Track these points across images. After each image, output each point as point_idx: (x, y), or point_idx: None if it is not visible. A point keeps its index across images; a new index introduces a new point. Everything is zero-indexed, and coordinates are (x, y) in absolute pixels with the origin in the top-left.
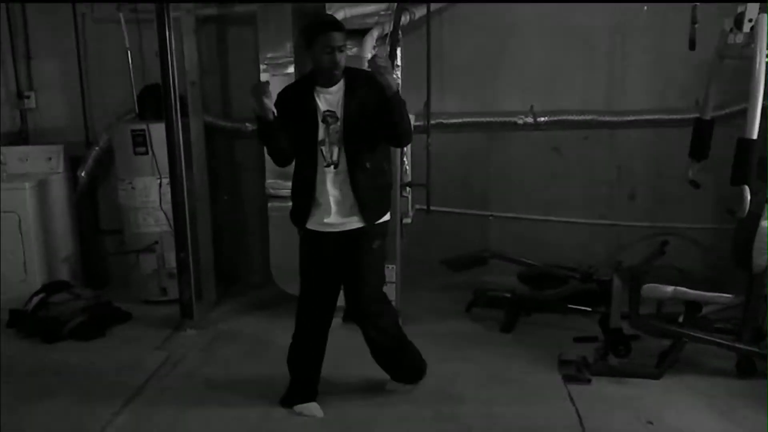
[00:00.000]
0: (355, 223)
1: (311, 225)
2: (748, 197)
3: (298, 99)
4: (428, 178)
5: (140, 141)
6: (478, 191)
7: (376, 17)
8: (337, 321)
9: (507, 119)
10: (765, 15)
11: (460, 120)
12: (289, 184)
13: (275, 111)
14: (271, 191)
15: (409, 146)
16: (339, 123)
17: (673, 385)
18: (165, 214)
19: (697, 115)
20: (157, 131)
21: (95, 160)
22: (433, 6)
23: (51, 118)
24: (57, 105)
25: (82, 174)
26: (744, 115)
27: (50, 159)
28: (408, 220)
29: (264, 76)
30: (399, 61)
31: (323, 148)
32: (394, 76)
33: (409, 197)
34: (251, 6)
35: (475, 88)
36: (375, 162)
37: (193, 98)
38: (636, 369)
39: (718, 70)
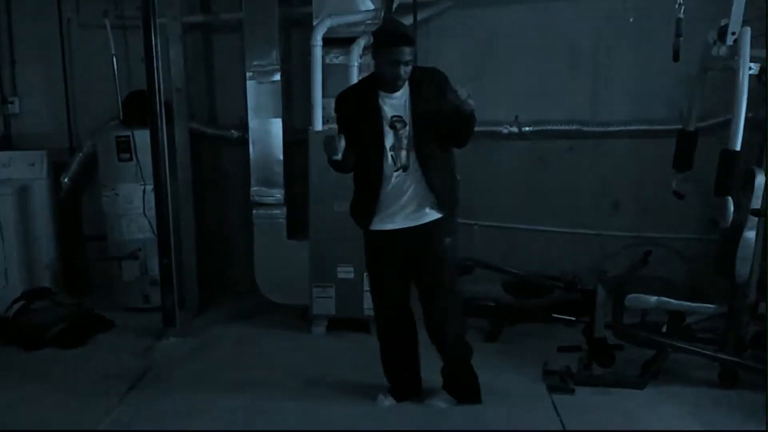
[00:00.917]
0: (428, 217)
1: (378, 225)
2: (732, 208)
3: (361, 105)
4: None
5: (124, 147)
6: (463, 200)
7: (363, 26)
8: (320, 330)
9: (492, 129)
10: (748, 28)
11: None
12: (275, 191)
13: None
14: (256, 198)
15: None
16: (407, 127)
17: (657, 394)
18: (148, 220)
19: (681, 126)
20: (142, 138)
21: (79, 166)
22: (420, 15)
23: (35, 123)
24: (41, 110)
25: (66, 180)
26: (727, 126)
27: (33, 165)
28: None
29: (250, 85)
30: None
31: (392, 153)
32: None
33: None
34: (238, 13)
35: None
36: (445, 159)
37: (178, 105)
38: (619, 379)
39: (701, 82)
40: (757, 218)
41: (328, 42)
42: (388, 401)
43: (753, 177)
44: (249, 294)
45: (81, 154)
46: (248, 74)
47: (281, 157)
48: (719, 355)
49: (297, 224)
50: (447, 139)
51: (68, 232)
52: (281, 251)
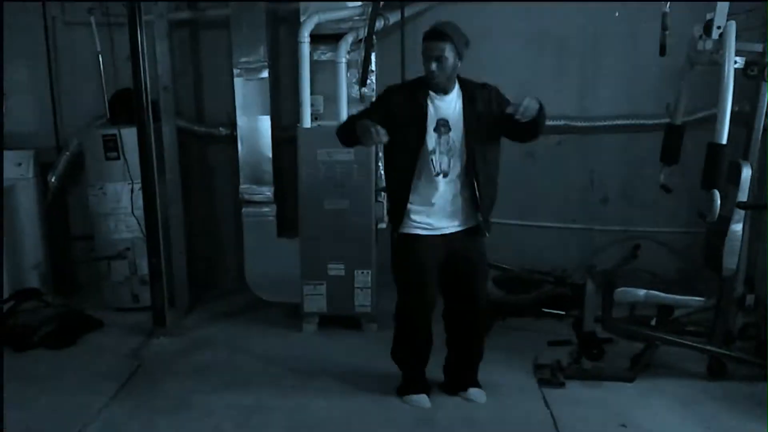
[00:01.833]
0: (465, 223)
1: (417, 230)
2: (719, 201)
3: (410, 103)
4: None
5: (112, 146)
6: None
7: (351, 22)
8: (312, 327)
9: None
10: (733, 22)
11: None
12: (264, 189)
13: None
14: (245, 196)
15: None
16: (451, 133)
17: (646, 387)
18: (137, 219)
19: (668, 120)
20: (129, 136)
21: (66, 166)
22: (408, 11)
23: (20, 122)
24: (27, 109)
25: (53, 179)
26: (714, 120)
27: (20, 164)
28: (383, 225)
29: (238, 82)
30: (373, 66)
31: (433, 157)
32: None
33: (384, 202)
34: (224, 10)
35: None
36: (490, 170)
37: (165, 103)
38: (609, 372)
39: (688, 76)
40: (743, 211)
41: (316, 38)
42: (422, 398)
43: (739, 170)
44: (239, 292)
45: (68, 153)
46: (236, 71)
47: (270, 155)
48: (708, 348)
49: (287, 222)
50: (516, 136)
51: (56, 232)
52: (271, 249)
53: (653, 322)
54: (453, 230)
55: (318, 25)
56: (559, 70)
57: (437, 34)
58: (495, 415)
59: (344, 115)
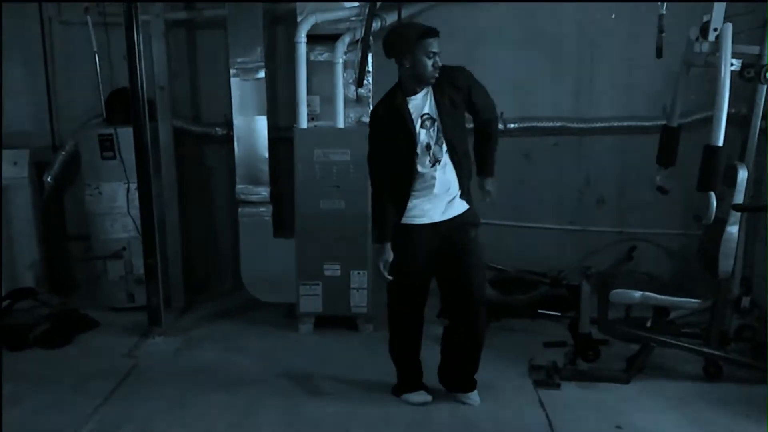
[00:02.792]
0: (458, 209)
1: (413, 220)
2: (714, 203)
3: (393, 115)
4: None
5: (108, 146)
6: None
7: (348, 23)
8: (307, 328)
9: None
10: (729, 24)
11: None
12: (260, 189)
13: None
14: (242, 196)
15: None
16: (436, 123)
17: (642, 389)
18: (133, 219)
19: (665, 122)
20: (125, 136)
21: (62, 165)
22: (405, 12)
23: (16, 122)
24: (23, 109)
25: (48, 179)
26: (710, 122)
27: (15, 164)
28: None
29: (234, 82)
30: (370, 67)
31: (429, 151)
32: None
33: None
34: (221, 10)
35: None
36: (467, 151)
37: (161, 102)
38: (605, 373)
39: (684, 78)
40: (739, 213)
41: (313, 39)
42: (421, 396)
43: (735, 172)
44: (235, 292)
45: (64, 153)
46: (232, 71)
47: (266, 155)
48: (703, 349)
49: (283, 222)
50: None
51: (51, 232)
52: (267, 249)
53: (649, 324)
54: (449, 217)
55: (315, 26)
56: (556, 71)
57: (436, 32)
58: (490, 416)
59: (341, 116)
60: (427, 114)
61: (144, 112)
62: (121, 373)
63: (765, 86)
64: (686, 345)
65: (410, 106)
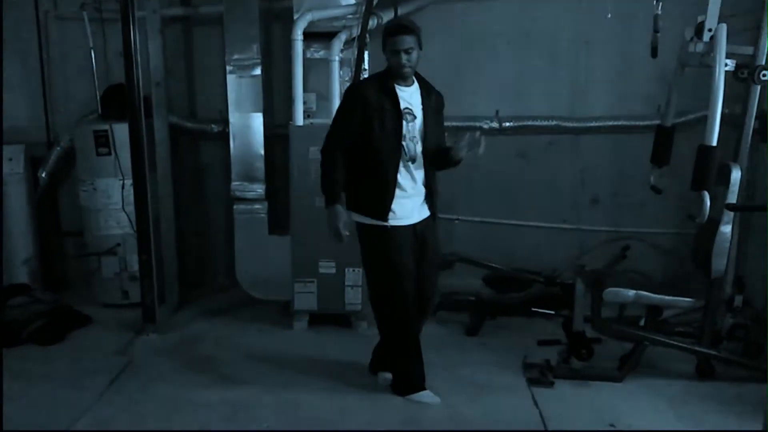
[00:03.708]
0: (425, 213)
1: (398, 221)
2: (708, 203)
3: (380, 96)
4: None
5: (103, 142)
6: (444, 195)
7: (344, 21)
8: (302, 325)
9: (472, 124)
10: (724, 25)
11: None
12: (256, 186)
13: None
14: (237, 193)
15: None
16: (417, 120)
17: (635, 387)
18: (127, 216)
19: (659, 121)
20: (121, 132)
21: (56, 161)
22: (401, 10)
23: (11, 117)
24: (18, 104)
25: (43, 175)
26: (704, 122)
27: (10, 159)
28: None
29: (231, 79)
30: (366, 65)
31: (404, 143)
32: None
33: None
34: (218, 7)
35: (441, 93)
36: (434, 153)
37: (157, 99)
38: (598, 372)
39: (679, 78)
40: (732, 213)
41: (309, 36)
42: (429, 396)
43: (729, 172)
44: (230, 289)
45: (58, 149)
46: (228, 68)
47: (262, 152)
48: (696, 348)
49: (278, 219)
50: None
51: (46, 228)
52: (262, 246)
53: (642, 323)
54: (422, 218)
55: (311, 23)
56: (551, 70)
57: (404, 29)
58: (484, 414)
59: None
60: (409, 109)
61: (140, 108)
62: (116, 369)
63: (759, 87)
64: (679, 344)
65: (400, 96)
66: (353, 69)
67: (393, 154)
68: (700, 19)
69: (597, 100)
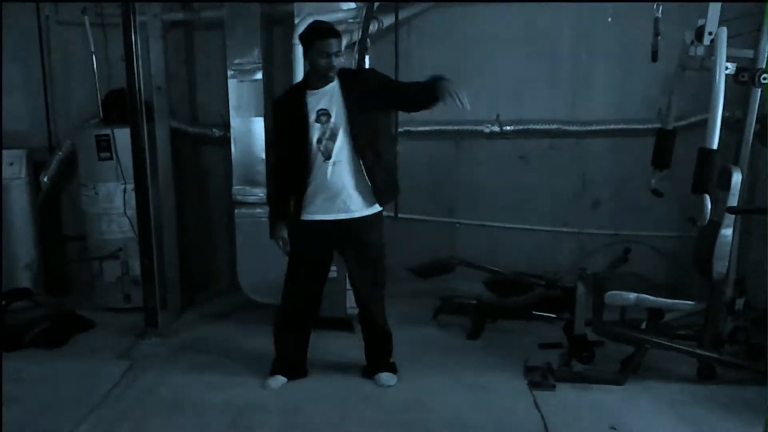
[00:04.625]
0: (359, 211)
1: (309, 216)
2: (709, 206)
3: (290, 105)
4: None
5: (105, 146)
6: (445, 199)
7: (345, 24)
8: None
9: (473, 128)
10: (724, 28)
11: (427, 128)
12: (257, 190)
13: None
14: (239, 197)
15: None
16: (332, 119)
17: (636, 390)
18: (129, 220)
19: (660, 125)
20: (122, 136)
21: (58, 166)
22: (402, 14)
23: (13, 122)
24: (19, 109)
25: (45, 179)
26: (705, 125)
27: (12, 164)
28: None
29: (232, 83)
30: None
31: (319, 145)
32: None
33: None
34: (219, 11)
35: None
36: (379, 151)
37: (159, 103)
38: (599, 375)
39: (679, 82)
40: (733, 216)
41: None
42: (276, 381)
43: (730, 175)
44: (231, 293)
45: (60, 153)
46: (230, 72)
47: (263, 156)
48: (697, 351)
49: None
50: (407, 109)
51: (48, 232)
52: (264, 250)
53: (643, 326)
54: (345, 217)
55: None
56: (552, 74)
57: (333, 32)
58: (485, 416)
59: None
60: (324, 109)
61: (141, 112)
62: (118, 374)
63: (759, 90)
64: (680, 347)
65: (308, 100)
66: None
67: (307, 156)
68: (700, 22)
69: (598, 103)
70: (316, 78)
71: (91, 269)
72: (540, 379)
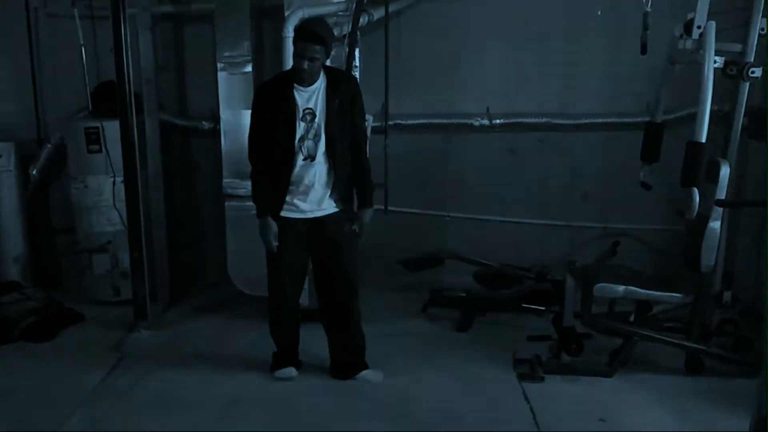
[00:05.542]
0: (330, 209)
1: (286, 213)
2: (697, 199)
3: (277, 97)
4: (386, 178)
5: (94, 139)
6: (435, 192)
7: (335, 18)
8: None
9: (463, 121)
10: (713, 22)
11: (417, 121)
12: (247, 183)
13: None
14: (229, 190)
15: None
16: (316, 119)
17: (625, 382)
18: (119, 213)
19: (649, 118)
20: (112, 129)
21: (47, 158)
22: (392, 7)
23: (2, 114)
24: (8, 101)
25: (34, 172)
26: (693, 118)
27: (1, 156)
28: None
29: (222, 76)
30: (357, 62)
31: (302, 144)
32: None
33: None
34: (208, 4)
35: (433, 90)
36: (347, 153)
37: (148, 96)
38: (588, 367)
39: (668, 75)
40: (721, 209)
41: None
42: (291, 370)
43: (718, 168)
44: (221, 286)
45: (49, 146)
46: (219, 65)
47: None
48: (685, 344)
49: None
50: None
51: (37, 225)
52: (254, 243)
53: (632, 318)
54: (321, 214)
55: (303, 20)
56: (542, 67)
57: (313, 36)
58: (474, 409)
59: None
60: (310, 109)
61: (131, 105)
62: (107, 366)
63: (747, 83)
64: (669, 339)
65: (296, 95)
66: (344, 67)
67: (288, 153)
68: (689, 16)
69: (587, 97)
70: (298, 76)
71: (80, 262)
72: (529, 371)
